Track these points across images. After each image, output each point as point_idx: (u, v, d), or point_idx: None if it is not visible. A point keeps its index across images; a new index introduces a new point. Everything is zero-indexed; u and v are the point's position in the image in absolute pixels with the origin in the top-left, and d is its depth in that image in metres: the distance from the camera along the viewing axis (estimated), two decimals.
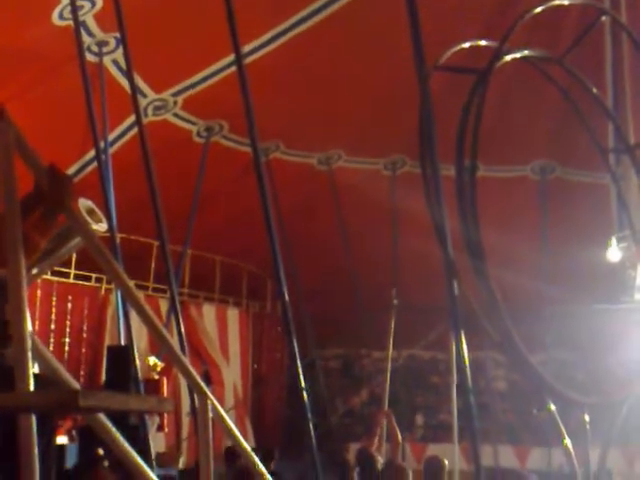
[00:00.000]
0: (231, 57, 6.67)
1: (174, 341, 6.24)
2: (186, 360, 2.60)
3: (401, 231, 10.37)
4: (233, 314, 12.25)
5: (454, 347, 5.04)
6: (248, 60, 8.89)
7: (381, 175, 11.30)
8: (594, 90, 2.93)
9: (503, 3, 8.63)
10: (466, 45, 2.54)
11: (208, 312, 11.78)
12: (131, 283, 2.54)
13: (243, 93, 5.38)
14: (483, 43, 2.48)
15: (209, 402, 2.42)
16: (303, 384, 5.74)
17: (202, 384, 2.47)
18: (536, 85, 7.26)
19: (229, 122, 9.97)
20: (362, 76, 9.33)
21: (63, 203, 2.29)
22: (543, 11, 2.54)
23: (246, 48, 8.82)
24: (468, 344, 4.15)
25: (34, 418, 1.81)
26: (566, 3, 2.62)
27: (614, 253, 7.52)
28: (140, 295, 2.64)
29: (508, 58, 2.35)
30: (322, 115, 9.91)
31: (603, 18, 2.65)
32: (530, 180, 11.58)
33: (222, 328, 11.95)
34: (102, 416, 2.24)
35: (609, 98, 7.33)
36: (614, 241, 7.41)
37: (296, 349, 5.60)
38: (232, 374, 11.85)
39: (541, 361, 11.34)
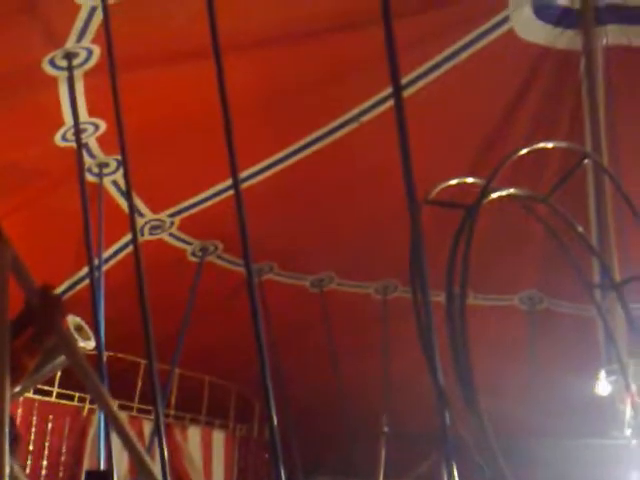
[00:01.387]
0: (228, 181, 6.87)
1: (156, 467, 6.05)
2: None
3: (392, 356, 10.31)
4: (219, 438, 11.93)
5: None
6: (245, 184, 9.18)
7: (372, 299, 11.35)
8: (579, 229, 3.04)
9: (491, 142, 9.04)
10: (454, 182, 2.65)
11: (193, 435, 11.47)
12: (115, 405, 2.52)
13: (239, 217, 5.50)
14: (470, 180, 2.59)
15: None
16: None
17: None
18: (524, 218, 7.48)
19: (224, 242, 10.13)
20: (355, 204, 9.59)
21: (53, 324, 2.30)
22: (529, 152, 2.67)
23: (244, 173, 9.13)
24: (461, 476, 4.03)
25: None
26: (550, 146, 2.76)
27: (603, 387, 7.46)
28: (124, 417, 2.60)
29: (495, 196, 2.46)
30: (315, 239, 10.10)
31: (585, 161, 2.78)
32: (518, 310, 11.63)
33: (207, 453, 11.61)
34: None
35: (593, 235, 7.54)
36: (603, 374, 7.37)
37: (283, 477, 5.41)
38: None
39: None
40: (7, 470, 1.73)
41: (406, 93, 8.14)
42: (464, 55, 8.32)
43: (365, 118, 8.69)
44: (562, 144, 2.99)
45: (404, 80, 8.05)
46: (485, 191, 2.35)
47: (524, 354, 10.98)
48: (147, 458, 2.22)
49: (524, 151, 2.53)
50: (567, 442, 8.52)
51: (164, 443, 6.04)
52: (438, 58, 8.26)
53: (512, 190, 2.55)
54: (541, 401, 10.32)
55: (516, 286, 11.47)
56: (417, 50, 7.87)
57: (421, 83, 8.31)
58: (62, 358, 6.18)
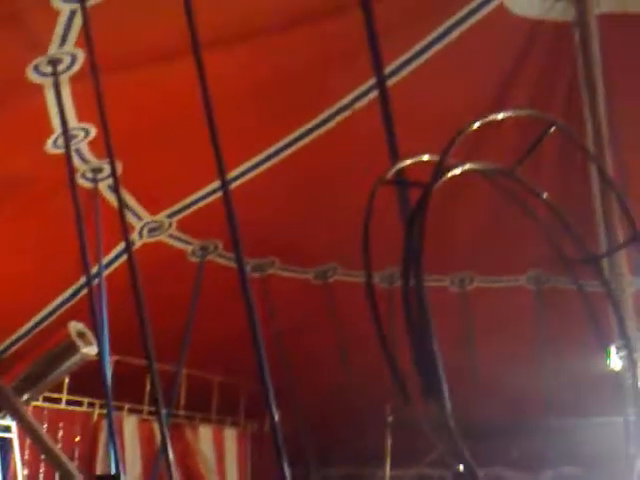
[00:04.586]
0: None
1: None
2: None
3: (398, 345, 10.22)
4: (231, 435, 11.93)
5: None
6: (242, 180, 9.11)
7: (377, 288, 11.25)
8: (545, 197, 2.85)
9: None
10: (409, 161, 2.52)
11: (205, 434, 11.47)
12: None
13: (228, 213, 5.44)
14: (426, 158, 2.46)
15: None
16: None
17: None
18: (524, 196, 7.37)
19: (223, 240, 10.06)
20: (353, 192, 9.45)
21: None
22: (482, 126, 2.54)
23: (240, 168, 9.06)
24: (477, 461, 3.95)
25: None
26: (499, 118, 2.60)
27: (615, 362, 7.37)
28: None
29: (455, 172, 2.34)
30: (316, 230, 10.02)
31: (552, 129, 2.61)
32: (526, 290, 11.53)
33: (219, 451, 11.61)
34: None
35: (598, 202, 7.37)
36: (613, 350, 7.27)
37: (287, 473, 5.38)
38: None
39: (551, 478, 10.92)
40: None
41: (395, 78, 8.07)
42: (454, 35, 8.13)
43: (358, 105, 8.59)
44: (514, 112, 2.78)
45: (392, 65, 7.95)
46: (439, 168, 2.24)
47: (534, 333, 10.90)
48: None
49: (476, 125, 2.40)
50: (581, 420, 8.46)
51: (169, 447, 6.01)
52: (427, 40, 8.10)
53: (469, 165, 2.41)
54: (552, 379, 10.26)
55: (522, 266, 11.36)
56: (404, 33, 7.75)
57: (410, 67, 8.18)
58: (66, 366, 6.14)
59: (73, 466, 2.29)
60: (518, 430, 11.01)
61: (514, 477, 11.90)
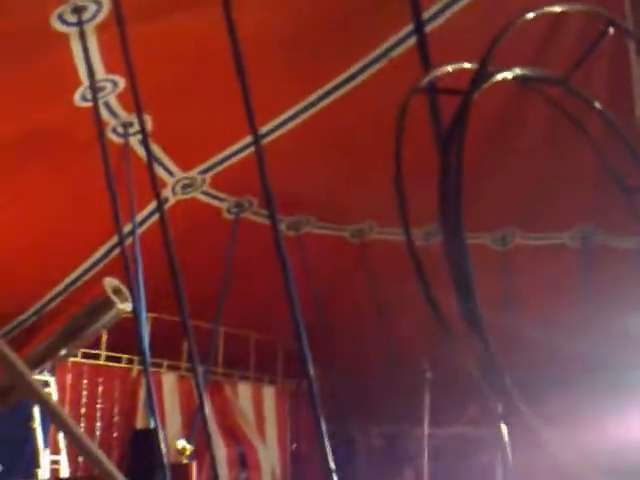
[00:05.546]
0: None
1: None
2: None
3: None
4: (269, 393, 11.90)
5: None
6: (276, 134, 8.87)
7: (418, 245, 11.01)
8: (601, 110, 2.44)
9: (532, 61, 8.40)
10: (449, 68, 2.21)
11: (244, 391, 11.46)
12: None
13: (261, 173, 5.25)
14: (468, 66, 2.15)
15: None
16: (334, 466, 5.48)
17: None
18: (567, 143, 6.97)
19: (258, 198, 9.89)
20: (385, 146, 9.17)
21: None
22: (534, 20, 2.20)
23: (274, 122, 8.81)
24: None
25: None
26: (558, 10, 2.26)
27: None
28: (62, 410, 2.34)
29: (499, 77, 2.01)
30: (352, 186, 9.76)
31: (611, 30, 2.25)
32: (571, 248, 11.17)
33: (258, 408, 11.60)
34: None
35: None
36: None
37: (324, 429, 5.29)
38: (269, 455, 11.42)
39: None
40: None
41: (434, 24, 7.69)
42: None
43: (395, 53, 8.24)
44: (566, 7, 2.36)
45: (430, 11, 7.58)
46: (481, 71, 1.92)
47: (579, 292, 10.58)
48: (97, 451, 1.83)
49: (530, 15, 2.06)
50: (623, 375, 8.19)
51: (205, 404, 5.94)
52: None
53: (518, 70, 2.09)
54: (600, 336, 9.96)
55: (568, 222, 10.97)
56: None
57: (451, 10, 7.78)
58: (102, 322, 5.98)
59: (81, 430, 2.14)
60: (558, 386, 10.79)
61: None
